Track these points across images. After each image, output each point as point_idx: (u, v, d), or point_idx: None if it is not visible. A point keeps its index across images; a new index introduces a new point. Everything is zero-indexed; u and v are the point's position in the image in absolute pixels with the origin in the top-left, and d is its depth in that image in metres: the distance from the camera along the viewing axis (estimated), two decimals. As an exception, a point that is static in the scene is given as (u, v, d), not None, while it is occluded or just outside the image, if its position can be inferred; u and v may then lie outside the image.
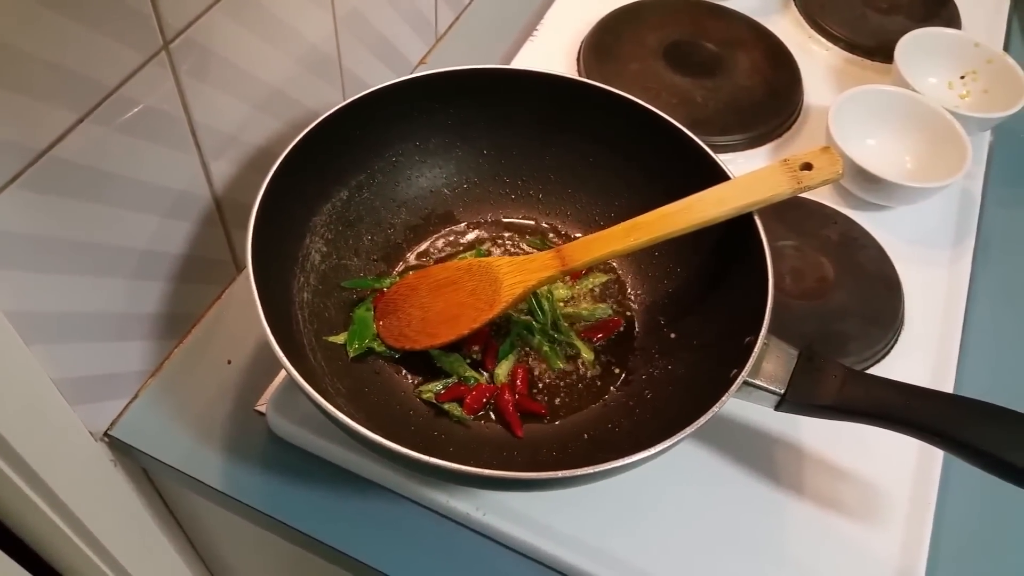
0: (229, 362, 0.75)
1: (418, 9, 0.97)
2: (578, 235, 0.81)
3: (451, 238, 0.80)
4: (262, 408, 0.72)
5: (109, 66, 0.56)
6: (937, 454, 0.69)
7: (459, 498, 0.66)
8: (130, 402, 0.72)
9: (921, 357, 0.78)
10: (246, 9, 0.66)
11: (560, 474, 0.54)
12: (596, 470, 0.54)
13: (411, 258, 0.78)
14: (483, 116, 0.78)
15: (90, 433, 0.69)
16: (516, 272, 0.68)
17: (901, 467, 0.70)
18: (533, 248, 0.80)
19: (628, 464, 0.55)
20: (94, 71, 0.54)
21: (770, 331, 0.61)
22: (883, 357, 0.77)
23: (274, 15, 0.70)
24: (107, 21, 0.54)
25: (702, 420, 0.57)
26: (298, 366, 0.58)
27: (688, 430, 0.56)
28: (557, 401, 0.71)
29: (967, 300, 0.83)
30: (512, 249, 0.80)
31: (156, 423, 0.72)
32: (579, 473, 0.54)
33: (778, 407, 0.61)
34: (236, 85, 0.69)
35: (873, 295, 0.80)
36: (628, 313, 0.76)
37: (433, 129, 0.78)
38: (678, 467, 0.68)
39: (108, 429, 0.71)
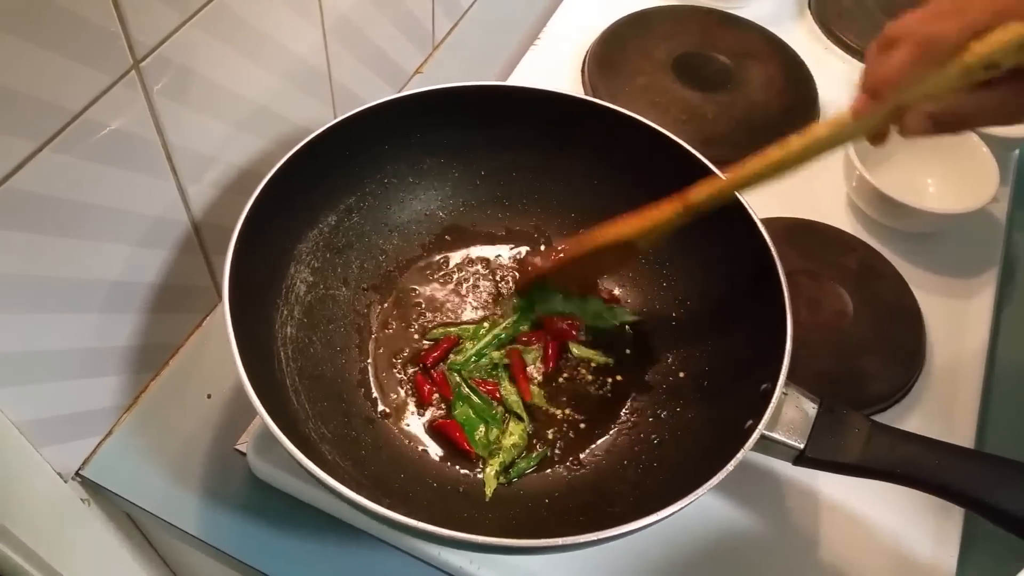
0: (208, 396, 0.71)
1: (414, 16, 0.93)
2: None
3: (446, 265, 0.75)
4: (243, 447, 0.67)
5: (72, 89, 0.51)
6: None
7: (451, 550, 0.62)
8: (103, 440, 0.68)
9: (943, 396, 0.73)
10: (224, 23, 0.61)
11: (560, 541, 0.50)
12: (599, 536, 0.50)
13: (403, 285, 0.73)
14: (481, 135, 0.74)
15: (59, 474, 0.64)
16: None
17: (922, 516, 0.66)
18: None
19: (634, 530, 0.51)
20: (54, 95, 0.50)
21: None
22: (903, 396, 0.73)
23: (256, 28, 0.65)
24: (69, 41, 0.49)
25: (716, 479, 0.52)
26: (278, 411, 0.54)
27: (700, 491, 0.52)
28: (558, 447, 0.66)
29: (991, 333, 0.78)
30: (509, 279, 0.75)
31: (130, 462, 0.67)
32: (581, 540, 0.50)
33: (796, 461, 0.57)
34: (216, 104, 0.64)
35: (893, 329, 0.76)
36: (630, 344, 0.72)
37: (428, 149, 0.74)
38: (685, 514, 0.63)
39: (79, 469, 0.66)
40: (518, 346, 0.70)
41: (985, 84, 0.47)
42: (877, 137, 0.52)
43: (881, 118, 0.50)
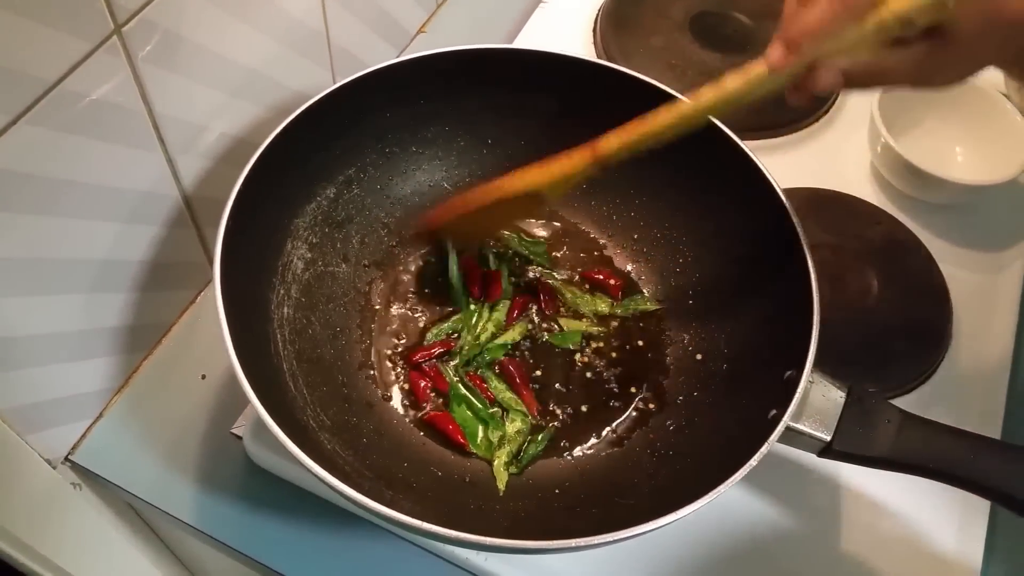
0: (203, 377, 0.68)
1: (417, -29, 0.88)
2: (599, 239, 0.73)
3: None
4: (239, 431, 0.65)
5: (47, 57, 0.47)
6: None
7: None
8: (93, 423, 0.65)
9: (969, 377, 0.70)
10: (214, -17, 0.57)
11: (574, 543, 0.47)
12: (615, 538, 0.47)
13: (407, 260, 0.70)
14: (488, 101, 0.69)
15: (47, 461, 0.62)
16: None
17: (947, 509, 0.63)
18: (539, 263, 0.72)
19: (651, 530, 0.48)
20: (28, 64, 0.46)
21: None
22: (928, 377, 0.70)
23: (249, -13, 0.61)
24: (41, 5, 0.45)
25: (738, 475, 0.49)
26: (274, 399, 0.52)
27: (722, 488, 0.49)
28: (568, 436, 0.63)
29: (1020, 310, 0.75)
30: (517, 255, 0.71)
31: (122, 446, 0.64)
32: (596, 541, 0.47)
33: (822, 453, 0.54)
34: (206, 70, 0.60)
35: (919, 307, 0.72)
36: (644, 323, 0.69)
37: (432, 116, 0.69)
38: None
39: (69, 454, 0.64)
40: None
41: (899, 42, 0.47)
42: (795, 90, 0.50)
43: (795, 71, 0.49)
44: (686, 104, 0.53)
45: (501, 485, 0.59)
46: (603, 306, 0.69)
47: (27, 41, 0.45)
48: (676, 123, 0.53)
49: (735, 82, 0.51)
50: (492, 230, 0.71)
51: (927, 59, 0.47)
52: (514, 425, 0.62)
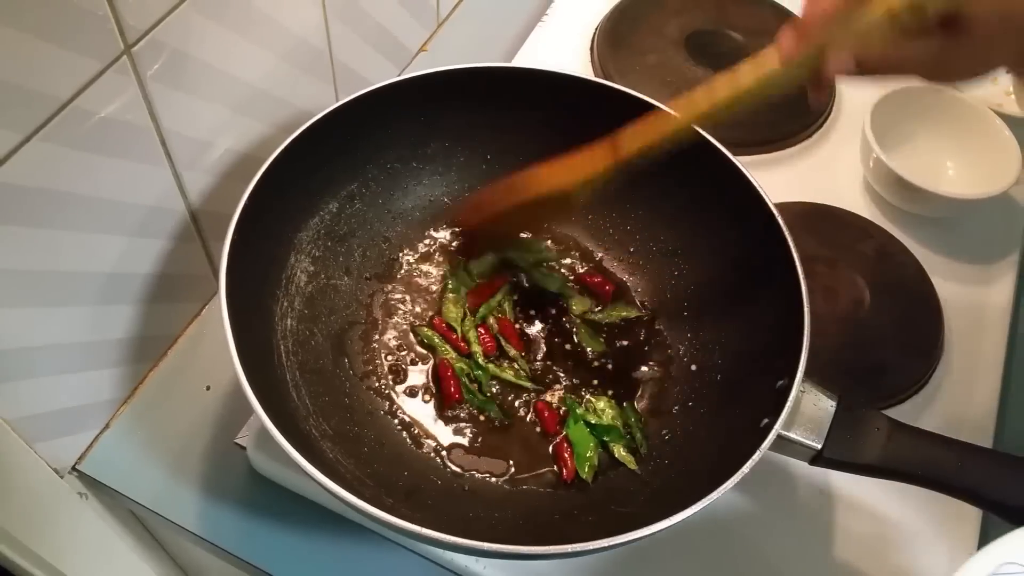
0: (208, 388, 0.69)
1: (418, -10, 0.90)
2: (595, 252, 0.74)
3: (451, 252, 0.73)
4: (242, 441, 0.66)
5: (60, 76, 0.49)
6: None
7: (457, 549, 0.60)
8: (100, 433, 0.66)
9: (961, 388, 0.72)
10: (220, 4, 0.58)
11: (570, 548, 0.48)
12: (609, 543, 0.48)
13: (407, 273, 0.71)
14: (487, 118, 0.71)
15: (54, 470, 0.63)
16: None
17: (938, 517, 0.64)
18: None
19: (644, 536, 0.49)
20: (41, 83, 0.47)
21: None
22: (921, 388, 0.71)
23: (255, 7, 0.62)
24: (55, 27, 0.46)
25: (731, 482, 0.50)
26: (277, 409, 0.53)
27: (715, 495, 0.50)
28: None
29: (1011, 321, 0.76)
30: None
31: (128, 456, 0.66)
32: (591, 547, 0.48)
33: (813, 461, 0.55)
34: (212, 88, 0.62)
35: (911, 318, 0.74)
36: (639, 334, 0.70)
37: (432, 132, 0.71)
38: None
39: (76, 464, 0.65)
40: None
41: (915, 33, 0.47)
42: (814, 86, 0.51)
43: (808, 59, 0.50)
44: (701, 99, 0.55)
45: (633, 467, 0.62)
46: (581, 307, 0.70)
47: (42, 61, 0.47)
48: (692, 118, 0.56)
49: (749, 75, 0.52)
50: (523, 229, 0.73)
51: (942, 52, 0.47)
52: (607, 414, 0.64)
